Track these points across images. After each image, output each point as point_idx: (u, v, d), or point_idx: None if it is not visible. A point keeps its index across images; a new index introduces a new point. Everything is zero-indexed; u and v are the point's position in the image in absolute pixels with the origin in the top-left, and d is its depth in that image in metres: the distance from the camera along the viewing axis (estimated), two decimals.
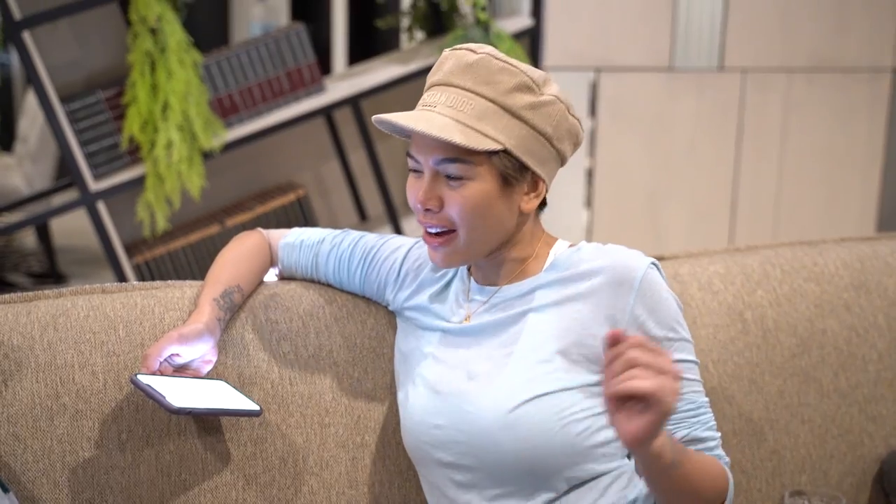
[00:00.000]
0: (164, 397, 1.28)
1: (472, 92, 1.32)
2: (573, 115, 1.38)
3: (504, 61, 1.33)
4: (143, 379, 1.32)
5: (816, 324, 1.80)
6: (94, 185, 3.02)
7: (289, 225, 3.31)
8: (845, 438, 1.79)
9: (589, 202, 3.64)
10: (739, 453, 1.72)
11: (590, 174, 3.61)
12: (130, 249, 3.21)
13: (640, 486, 1.39)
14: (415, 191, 1.37)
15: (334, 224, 3.60)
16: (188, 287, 1.56)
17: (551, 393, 1.34)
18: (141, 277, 3.16)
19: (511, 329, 1.40)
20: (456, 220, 1.35)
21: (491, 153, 1.32)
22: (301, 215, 3.36)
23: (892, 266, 1.89)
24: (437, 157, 1.33)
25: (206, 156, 3.05)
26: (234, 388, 1.44)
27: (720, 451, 1.42)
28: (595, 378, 1.36)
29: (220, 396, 1.38)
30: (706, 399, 1.42)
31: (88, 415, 1.40)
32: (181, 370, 1.41)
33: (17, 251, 5.07)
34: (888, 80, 3.68)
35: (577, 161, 3.58)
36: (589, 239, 3.64)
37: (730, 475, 1.41)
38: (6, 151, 5.25)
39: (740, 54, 3.56)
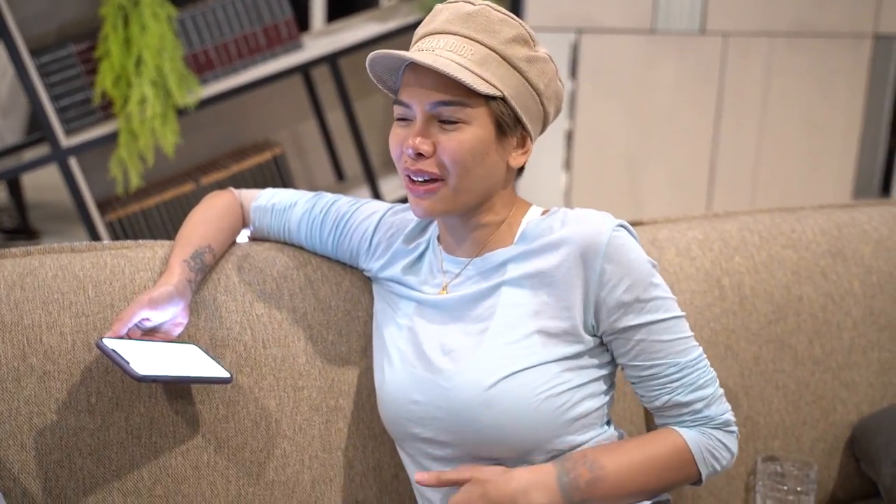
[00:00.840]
0: (128, 363, 1.25)
1: (472, 39, 1.31)
2: (559, 80, 1.38)
3: (503, 13, 1.33)
4: (110, 343, 1.28)
5: (793, 290, 1.80)
6: (65, 141, 2.97)
7: (265, 184, 3.28)
8: (818, 405, 1.79)
9: (568, 165, 3.62)
10: None
11: (569, 137, 3.59)
12: (103, 206, 3.17)
13: None
14: (401, 139, 1.33)
15: (311, 184, 3.57)
16: (159, 247, 1.53)
17: (528, 368, 1.32)
18: (114, 235, 3.12)
19: (485, 303, 1.38)
20: (448, 165, 1.31)
21: (489, 98, 1.31)
22: (277, 174, 3.32)
23: (868, 234, 1.89)
24: (433, 101, 1.30)
25: (181, 112, 3.01)
26: (206, 352, 1.42)
27: (710, 412, 1.36)
28: (573, 350, 1.35)
29: (190, 362, 1.36)
30: (696, 355, 1.36)
31: (56, 376, 1.38)
32: (151, 333, 1.38)
33: None
34: (868, 46, 3.67)
35: (557, 123, 3.55)
36: (568, 202, 3.62)
37: (706, 446, 1.36)
38: None
39: (722, 18, 3.53)
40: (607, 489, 1.31)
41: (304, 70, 3.24)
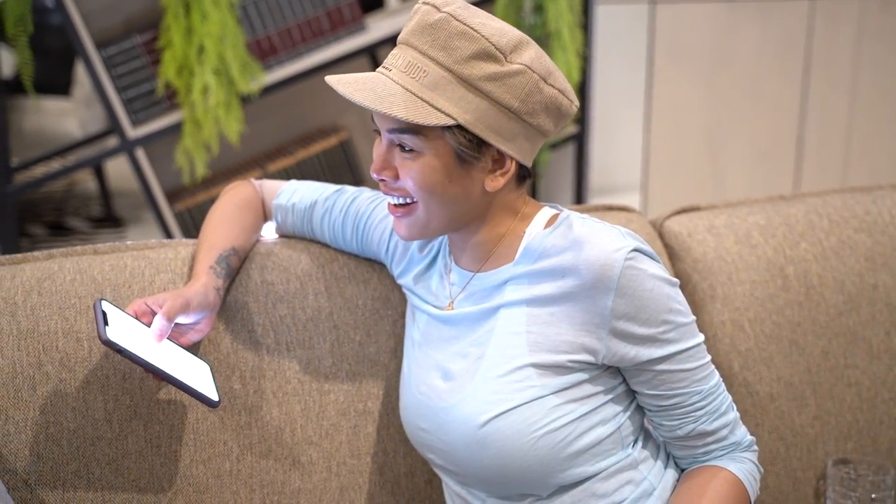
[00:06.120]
0: (104, 326, 1.19)
1: (428, 57, 1.19)
2: (552, 85, 1.22)
3: (465, 23, 1.18)
4: (107, 308, 1.23)
5: (867, 279, 1.66)
6: (132, 132, 2.96)
7: (332, 170, 3.23)
8: None
9: (646, 141, 3.48)
10: (778, 419, 1.60)
11: (647, 112, 3.45)
12: (172, 196, 3.16)
13: (642, 486, 1.30)
14: (374, 156, 1.27)
15: None
16: (182, 246, 1.48)
17: (523, 405, 1.23)
18: (183, 224, 3.12)
19: (484, 325, 1.29)
20: (412, 191, 1.24)
21: (443, 128, 1.19)
22: (344, 159, 3.27)
23: None
24: (389, 126, 1.22)
25: (245, 100, 2.97)
26: (212, 375, 1.34)
27: (735, 437, 1.31)
28: (574, 378, 1.24)
29: (185, 370, 1.28)
30: (715, 381, 1.29)
31: (73, 384, 1.34)
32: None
33: (79, 195, 5.10)
34: None
35: (634, 99, 3.42)
36: (645, 178, 3.48)
37: (750, 472, 1.32)
38: (64, 95, 5.26)
39: None
40: None
41: (371, 51, 3.18)
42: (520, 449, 1.23)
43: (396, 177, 1.24)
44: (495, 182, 1.25)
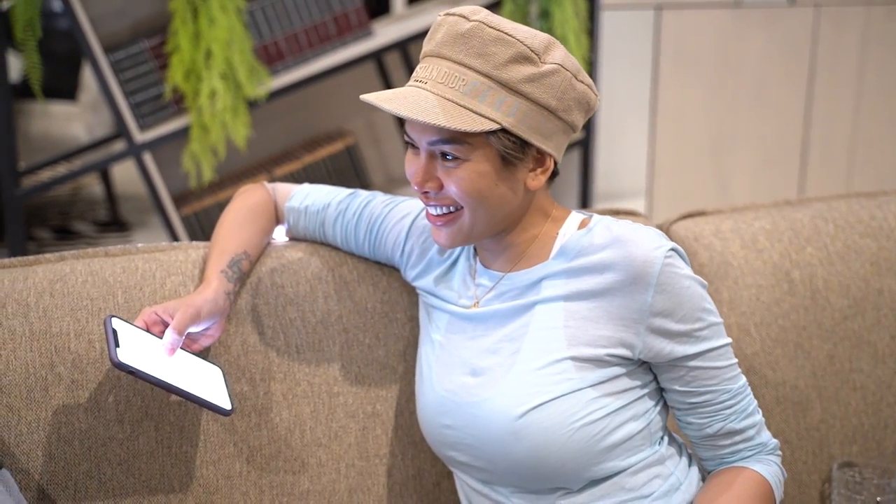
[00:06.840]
0: (115, 347, 1.21)
1: (465, 66, 1.21)
2: (581, 81, 1.26)
3: (498, 30, 1.21)
4: (117, 325, 1.24)
5: (872, 283, 1.67)
6: (139, 137, 2.98)
7: (338, 174, 3.24)
8: None
9: (651, 147, 3.49)
10: (783, 423, 1.61)
11: (652, 118, 3.46)
12: (179, 201, 3.18)
13: (669, 481, 1.32)
14: (413, 169, 1.27)
15: (387, 172, 3.52)
16: (193, 249, 1.50)
17: (560, 397, 1.25)
18: (190, 229, 3.14)
19: (518, 320, 1.30)
20: (457, 199, 1.25)
21: (487, 133, 1.21)
22: (350, 164, 3.29)
23: None
24: (430, 138, 1.24)
25: (252, 104, 2.99)
26: (224, 380, 1.36)
27: (762, 438, 1.34)
28: (610, 373, 1.27)
29: (197, 380, 1.29)
30: (743, 382, 1.32)
31: (85, 385, 1.35)
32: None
33: (85, 199, 5.11)
34: None
35: (640, 103, 3.43)
36: (650, 182, 3.50)
37: (775, 474, 1.34)
38: (71, 100, 5.28)
39: None
40: None
41: (377, 57, 3.19)
42: (555, 441, 1.24)
43: (440, 187, 1.25)
44: (536, 181, 1.28)
